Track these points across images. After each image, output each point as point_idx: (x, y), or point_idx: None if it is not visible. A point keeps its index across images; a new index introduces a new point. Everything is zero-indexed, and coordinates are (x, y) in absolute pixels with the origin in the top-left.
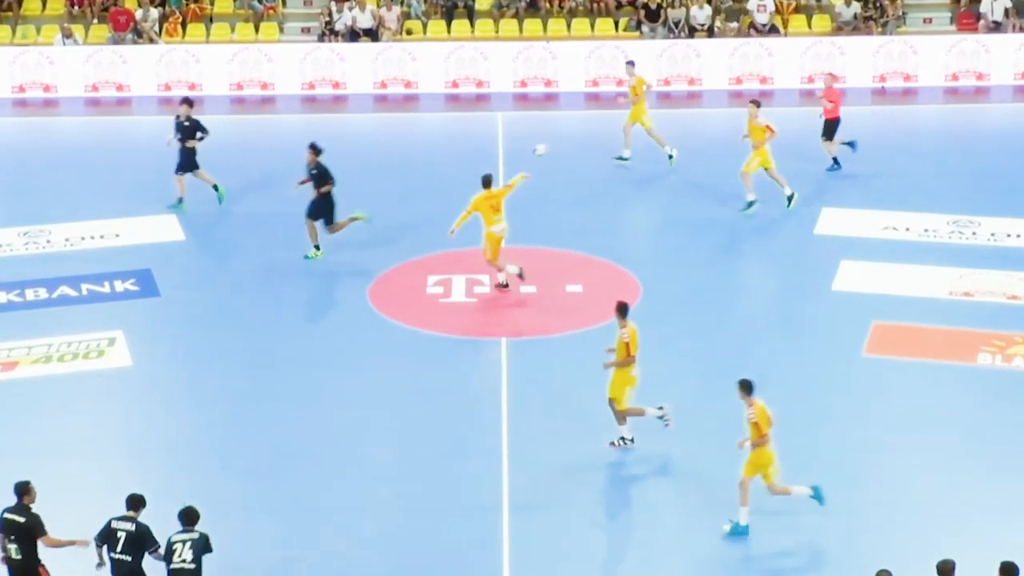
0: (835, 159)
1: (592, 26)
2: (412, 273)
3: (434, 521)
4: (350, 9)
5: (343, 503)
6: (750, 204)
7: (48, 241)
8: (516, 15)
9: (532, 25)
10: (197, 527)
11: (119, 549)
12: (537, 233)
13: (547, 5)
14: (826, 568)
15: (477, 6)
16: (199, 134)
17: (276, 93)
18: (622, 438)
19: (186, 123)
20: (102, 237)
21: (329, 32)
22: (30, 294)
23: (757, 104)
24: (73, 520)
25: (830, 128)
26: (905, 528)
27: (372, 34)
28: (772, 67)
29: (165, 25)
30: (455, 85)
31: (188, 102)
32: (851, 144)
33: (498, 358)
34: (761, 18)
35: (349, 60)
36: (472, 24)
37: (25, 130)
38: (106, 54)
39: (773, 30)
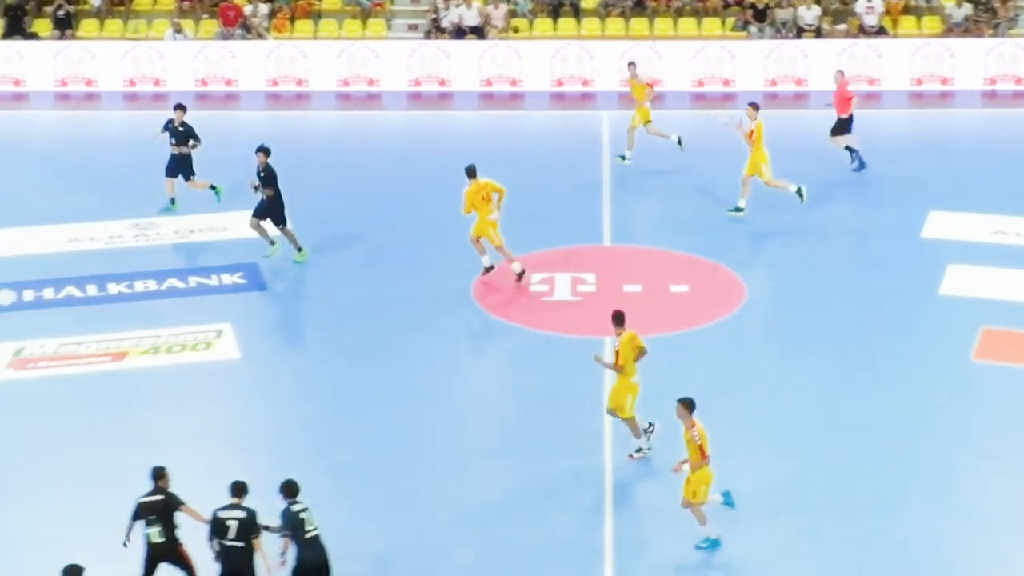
0: (860, 160)
1: (699, 26)
2: None
3: (534, 520)
4: (457, 6)
5: (443, 500)
6: (738, 209)
7: (158, 234)
8: (622, 14)
9: (638, 24)
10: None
11: (231, 536)
12: (642, 232)
13: (653, 4)
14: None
15: (583, 4)
16: (192, 141)
17: (382, 90)
18: (638, 449)
19: (180, 128)
20: (211, 230)
21: (436, 29)
22: (139, 286)
23: (756, 107)
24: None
25: (842, 126)
26: (1010, 533)
27: (479, 31)
28: (880, 69)
29: (273, 20)
30: (560, 83)
31: (182, 107)
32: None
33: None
34: (870, 19)
35: (455, 57)
36: (578, 22)
37: (135, 123)
38: (215, 49)
39: (881, 31)
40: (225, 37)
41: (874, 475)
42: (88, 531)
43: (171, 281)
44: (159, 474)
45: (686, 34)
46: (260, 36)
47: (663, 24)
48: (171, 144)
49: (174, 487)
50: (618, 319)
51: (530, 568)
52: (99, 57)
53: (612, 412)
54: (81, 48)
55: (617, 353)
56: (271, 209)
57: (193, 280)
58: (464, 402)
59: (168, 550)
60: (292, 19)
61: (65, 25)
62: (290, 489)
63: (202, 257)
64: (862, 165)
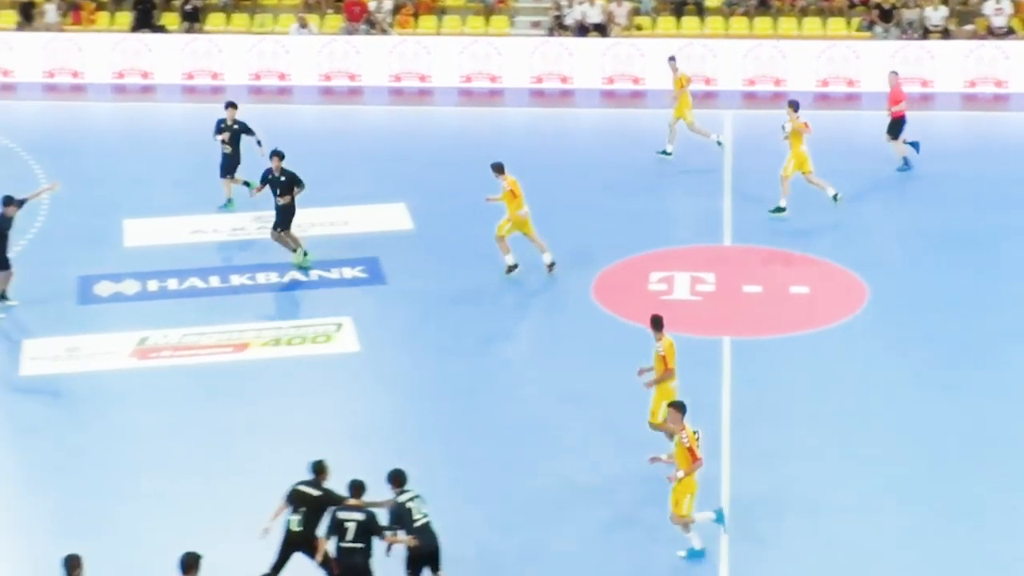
0: (905, 159)
1: (823, 25)
2: (636, 269)
3: (647, 518)
4: (580, 3)
5: (555, 495)
6: (780, 209)
7: None
8: (746, 13)
9: (762, 23)
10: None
11: (350, 538)
12: (765, 232)
13: (778, 3)
14: None
15: (707, 3)
16: (248, 137)
17: (504, 86)
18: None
19: (234, 126)
20: (332, 224)
21: (558, 26)
22: (262, 278)
23: (796, 106)
24: None
25: (895, 127)
26: None
27: (601, 29)
28: (1008, 71)
29: (397, 16)
30: None
31: (233, 105)
32: (914, 144)
33: (720, 358)
34: (998, 20)
35: (577, 55)
36: (702, 21)
37: (261, 117)
38: (340, 44)
39: (1010, 32)
40: (349, 32)
41: (992, 485)
42: (206, 519)
43: (292, 274)
44: (320, 468)
45: (810, 34)
46: (384, 31)
47: (787, 23)
48: (223, 143)
49: (290, 479)
50: (656, 323)
51: (638, 565)
52: (225, 51)
53: (653, 425)
54: (208, 42)
55: (664, 359)
56: (283, 214)
57: (314, 273)
58: (579, 399)
59: (305, 540)
60: (416, 15)
61: (193, 19)
62: (398, 478)
63: (323, 250)
64: (908, 166)
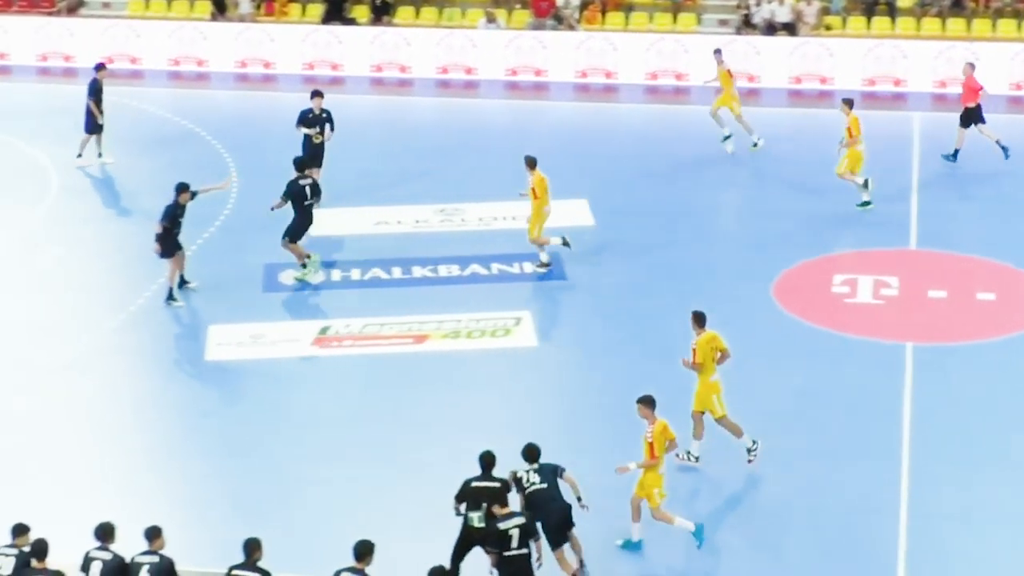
0: (956, 152)
1: (1019, 28)
2: (818, 271)
3: (826, 521)
4: (769, 2)
5: (733, 497)
6: (866, 203)
7: (463, 220)
8: (939, 14)
9: (955, 24)
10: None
11: (515, 545)
12: (952, 237)
13: (972, 4)
14: None
15: (899, 3)
16: (329, 130)
17: (690, 84)
18: (688, 452)
19: (322, 115)
20: (514, 219)
21: (746, 24)
22: (443, 270)
23: (850, 104)
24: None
25: (970, 115)
26: None
27: (790, 28)
28: None
29: (585, 12)
30: (872, 83)
31: (320, 94)
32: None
33: (902, 362)
34: None
35: (765, 53)
36: (893, 21)
37: (447, 111)
38: (527, 39)
39: None
40: (536, 27)
41: None
42: (382, 508)
43: (474, 267)
44: (489, 460)
45: (1005, 36)
46: (571, 27)
47: (981, 25)
48: (315, 133)
49: (465, 471)
50: (699, 320)
51: (821, 569)
52: (414, 44)
53: (700, 415)
54: (396, 35)
55: (694, 351)
56: (302, 226)
57: (495, 267)
58: (760, 403)
59: (487, 535)
60: (603, 11)
61: (382, 12)
62: (531, 454)
63: (505, 244)
64: (954, 157)
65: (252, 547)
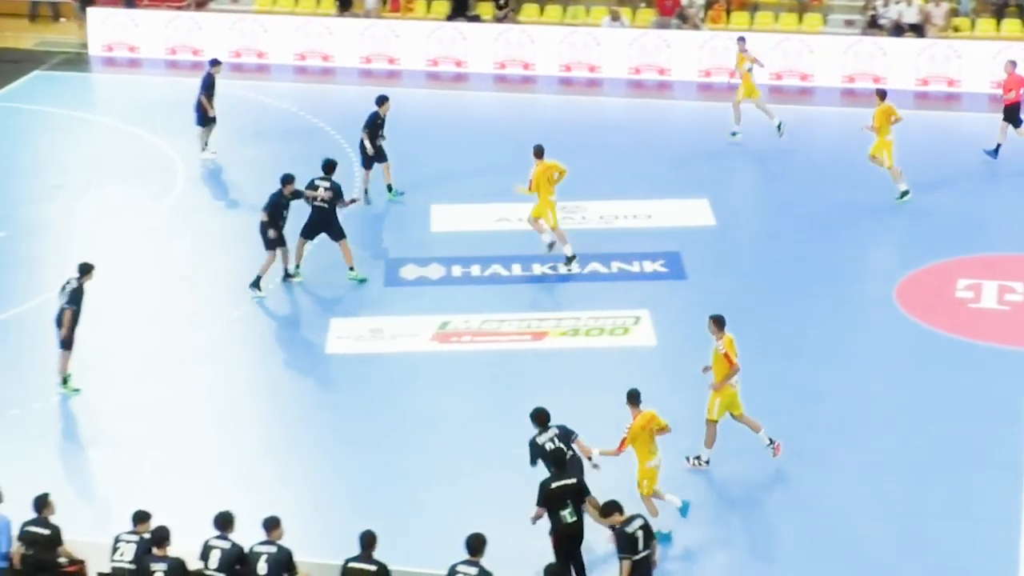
0: (998, 147)
1: None
2: (942, 275)
3: (945, 529)
4: (897, 3)
5: (846, 503)
6: (904, 193)
7: (583, 218)
8: None
9: None
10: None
11: (641, 548)
12: None
13: None
14: None
15: None
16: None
17: (815, 84)
18: (698, 457)
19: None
20: (635, 217)
21: (872, 25)
22: (563, 268)
23: (882, 95)
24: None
25: (1011, 113)
26: None
27: (917, 29)
28: None
29: (710, 11)
30: (999, 86)
31: (386, 99)
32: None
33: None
34: None
35: (891, 55)
36: None
37: (569, 108)
38: (650, 38)
39: None
40: (661, 26)
41: None
42: (498, 504)
43: (593, 265)
44: (561, 458)
45: None
46: (695, 27)
47: None
48: (380, 136)
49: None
50: (719, 323)
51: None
52: (537, 41)
53: (738, 418)
54: (520, 32)
55: (726, 356)
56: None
57: (615, 265)
58: (879, 407)
59: (580, 530)
60: (728, 10)
61: (506, 8)
62: (541, 417)
63: (625, 243)
64: (995, 154)
65: (368, 540)
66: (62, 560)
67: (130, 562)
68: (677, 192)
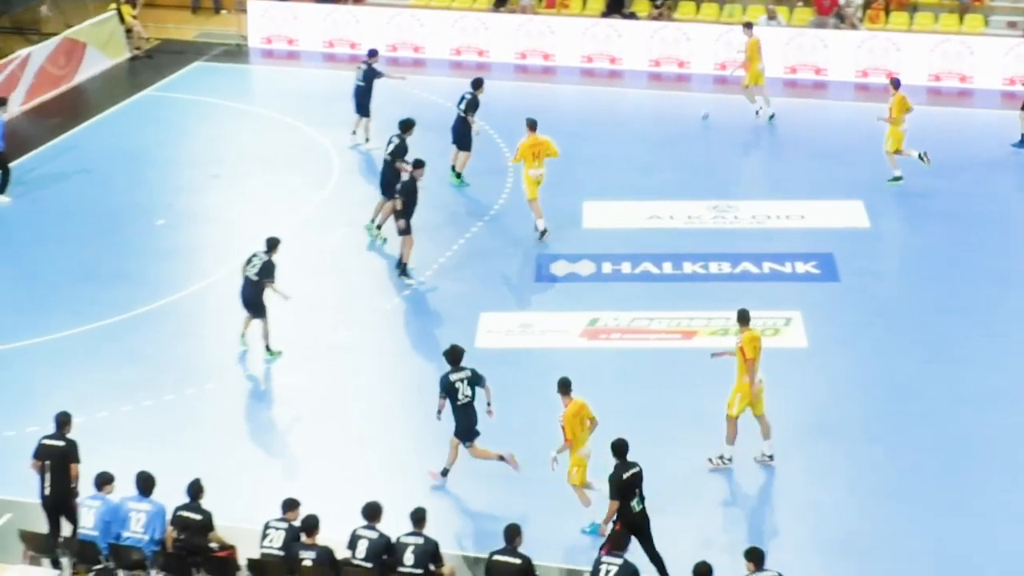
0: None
1: None
2: None
3: None
4: None
5: (992, 506)
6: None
7: (736, 217)
8: None
9: None
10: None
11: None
12: None
13: None
14: None
15: None
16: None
17: (973, 87)
18: (720, 456)
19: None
20: (787, 217)
21: None
22: (714, 267)
23: (895, 84)
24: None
25: None
26: None
27: None
28: None
29: (868, 11)
30: None
31: (482, 83)
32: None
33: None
34: None
35: None
36: None
37: (724, 107)
38: (807, 37)
39: None
40: (818, 25)
41: None
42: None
43: (745, 265)
44: (622, 447)
45: None
46: (853, 26)
47: None
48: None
49: (730, 470)
50: (742, 317)
51: None
52: (693, 39)
53: (760, 417)
54: (676, 29)
55: (742, 350)
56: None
57: (767, 266)
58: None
59: (645, 515)
60: (887, 10)
61: (662, 6)
62: (455, 357)
63: (777, 243)
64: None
65: (512, 533)
66: (213, 545)
67: (279, 548)
68: (831, 193)
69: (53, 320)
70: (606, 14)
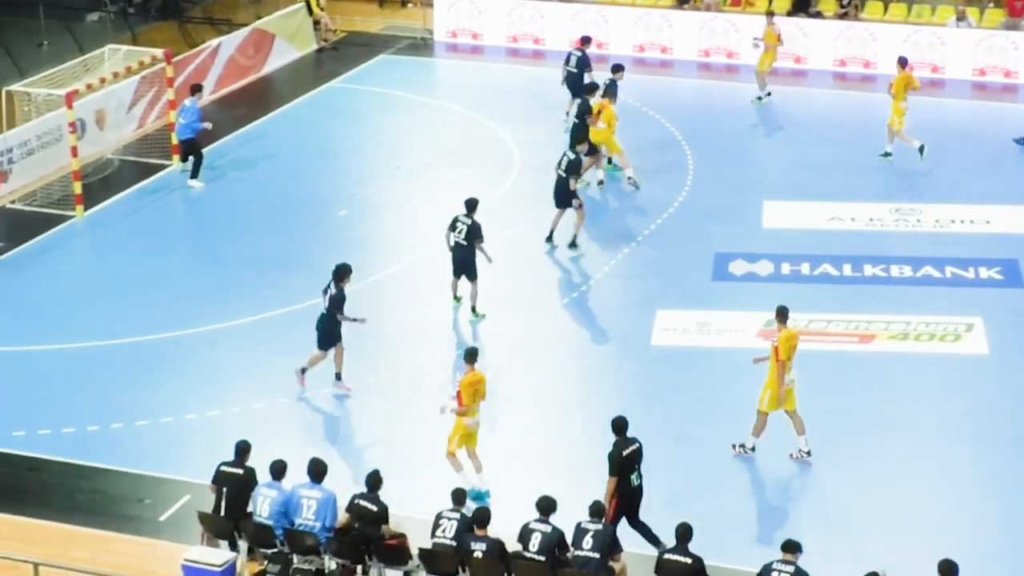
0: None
1: None
2: None
3: None
4: None
5: None
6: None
7: (918, 220)
8: None
9: None
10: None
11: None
12: None
13: None
14: None
15: None
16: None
17: None
18: (743, 445)
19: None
20: (972, 222)
21: None
22: (895, 270)
23: (903, 63)
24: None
25: None
26: None
27: None
28: None
29: None
30: None
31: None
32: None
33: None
34: None
35: None
36: None
37: (913, 108)
38: (998, 39)
39: None
40: (1010, 27)
41: None
42: (819, 504)
43: (927, 269)
44: (622, 425)
45: None
46: None
47: None
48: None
49: (903, 473)
50: (781, 315)
51: None
52: (879, 39)
53: (789, 413)
54: (862, 29)
55: (776, 349)
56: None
57: (949, 270)
58: None
59: (641, 491)
60: None
61: (849, 5)
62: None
63: (961, 248)
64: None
65: (683, 532)
66: (384, 534)
67: (451, 539)
68: (1018, 198)
69: (237, 306)
70: (791, 13)
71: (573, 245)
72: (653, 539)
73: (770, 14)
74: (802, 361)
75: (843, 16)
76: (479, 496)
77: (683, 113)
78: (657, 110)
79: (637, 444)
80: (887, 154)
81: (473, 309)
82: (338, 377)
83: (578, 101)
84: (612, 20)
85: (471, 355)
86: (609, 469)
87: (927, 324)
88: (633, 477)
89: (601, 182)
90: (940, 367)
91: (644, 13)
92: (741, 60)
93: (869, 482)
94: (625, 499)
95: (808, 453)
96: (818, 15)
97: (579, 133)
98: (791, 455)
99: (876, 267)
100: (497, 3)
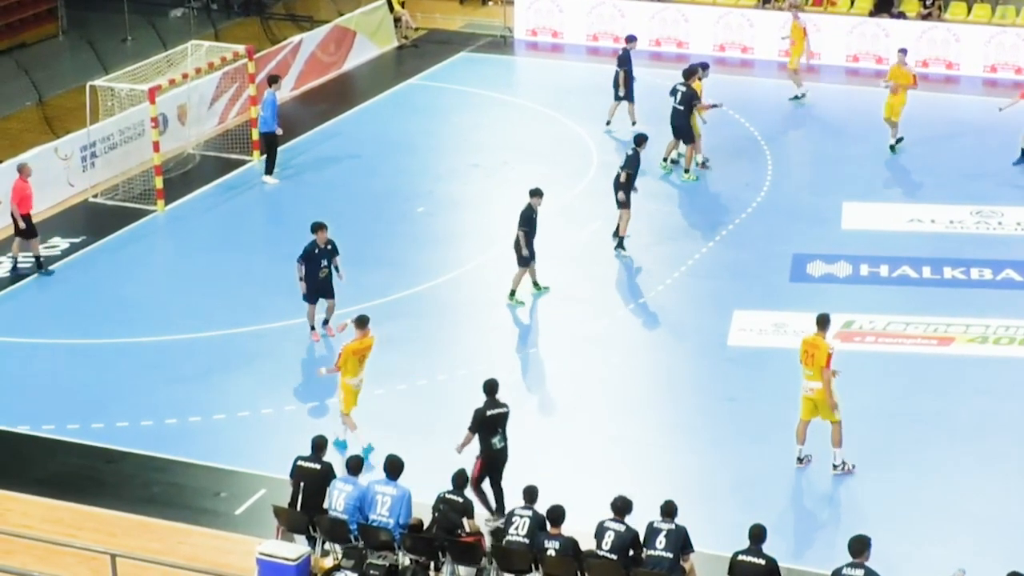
0: None
1: None
2: None
3: None
4: None
5: None
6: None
7: (999, 223)
8: None
9: None
10: None
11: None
12: None
13: None
14: None
15: None
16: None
17: None
18: (844, 463)
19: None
20: None
21: None
22: (975, 273)
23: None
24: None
25: None
26: None
27: None
28: None
29: None
30: None
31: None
32: None
33: None
34: None
35: None
36: None
37: (991, 111)
38: None
39: None
40: None
41: None
42: (885, 507)
43: (1007, 272)
44: (493, 387)
45: None
46: None
47: None
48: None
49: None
50: (822, 322)
51: None
52: (962, 41)
53: (806, 421)
54: (945, 30)
55: (829, 357)
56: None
57: None
58: None
59: (505, 453)
60: None
61: (932, 6)
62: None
63: None
64: None
65: (757, 533)
66: (465, 528)
67: (524, 536)
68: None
69: None
70: (874, 13)
71: (619, 246)
72: (493, 508)
73: (794, 8)
74: (880, 364)
75: (926, 17)
76: (340, 444)
77: (763, 113)
78: (737, 110)
79: (505, 408)
80: (900, 140)
81: (535, 283)
82: (325, 323)
83: (630, 105)
84: (692, 19)
85: (363, 323)
86: (470, 424)
87: (1007, 328)
88: (496, 440)
89: (704, 162)
90: (1020, 371)
91: (725, 12)
92: (823, 61)
93: (949, 486)
94: (489, 460)
95: (851, 466)
96: (901, 16)
97: (679, 120)
98: (835, 470)
99: (956, 270)
100: (577, 1)
